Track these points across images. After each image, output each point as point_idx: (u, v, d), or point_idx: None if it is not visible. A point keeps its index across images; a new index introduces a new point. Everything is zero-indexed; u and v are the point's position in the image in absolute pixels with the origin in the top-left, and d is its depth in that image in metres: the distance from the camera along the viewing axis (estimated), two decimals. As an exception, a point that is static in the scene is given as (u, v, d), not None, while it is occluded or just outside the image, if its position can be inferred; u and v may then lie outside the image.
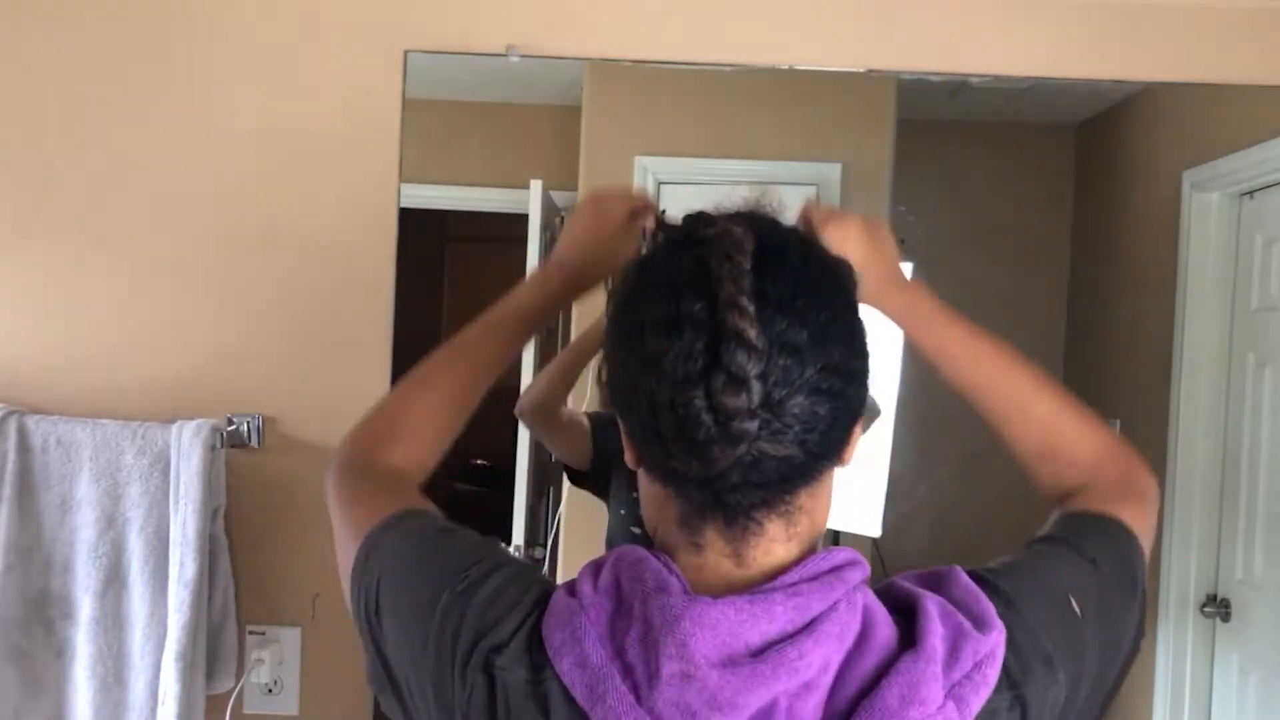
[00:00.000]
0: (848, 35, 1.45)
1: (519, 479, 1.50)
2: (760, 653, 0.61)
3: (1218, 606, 1.51)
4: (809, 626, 0.63)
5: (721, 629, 0.61)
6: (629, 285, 0.69)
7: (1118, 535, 0.79)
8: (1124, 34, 1.44)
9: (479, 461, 1.59)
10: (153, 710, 1.36)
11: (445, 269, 1.66)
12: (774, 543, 0.67)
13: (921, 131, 1.51)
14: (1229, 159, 1.48)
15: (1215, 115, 1.49)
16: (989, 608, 0.67)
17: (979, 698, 0.63)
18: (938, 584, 0.69)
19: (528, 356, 1.48)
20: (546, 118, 1.55)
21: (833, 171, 1.51)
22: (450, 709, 0.68)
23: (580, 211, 0.98)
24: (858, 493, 0.77)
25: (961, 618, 0.65)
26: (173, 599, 1.35)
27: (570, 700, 0.63)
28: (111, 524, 1.39)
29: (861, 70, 1.45)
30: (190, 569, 1.34)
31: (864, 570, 0.67)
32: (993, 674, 0.64)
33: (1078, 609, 0.72)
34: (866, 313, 0.69)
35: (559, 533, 1.51)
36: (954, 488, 1.44)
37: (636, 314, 0.66)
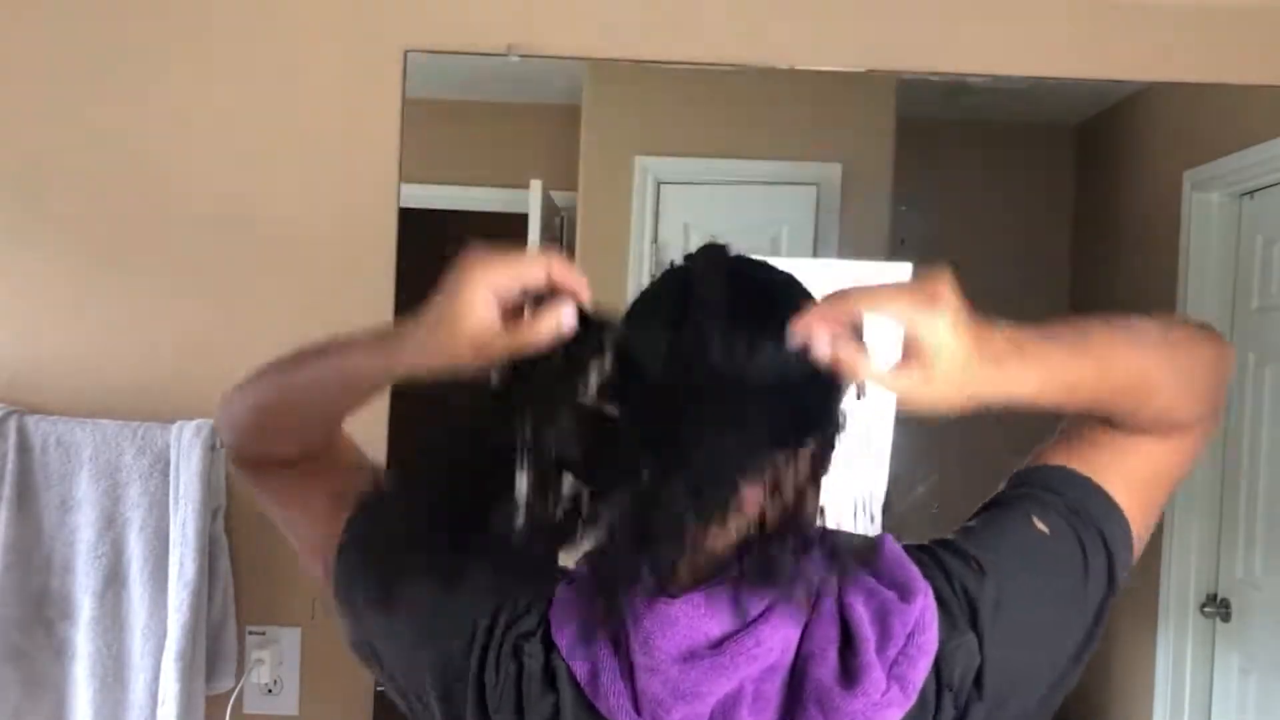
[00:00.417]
0: (848, 35, 1.45)
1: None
2: (719, 644, 0.64)
3: (1218, 606, 1.51)
4: (764, 614, 0.65)
5: (680, 626, 0.64)
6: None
7: (1086, 487, 0.73)
8: (1124, 34, 1.44)
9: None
10: (153, 710, 1.36)
11: (445, 269, 1.66)
12: (727, 529, 0.66)
13: (921, 131, 1.51)
14: (1229, 159, 1.48)
15: (1215, 115, 1.49)
16: (913, 573, 0.67)
17: (918, 669, 0.64)
18: (875, 564, 0.69)
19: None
20: (546, 118, 1.55)
21: (833, 171, 1.51)
22: (454, 695, 0.71)
23: (444, 291, 0.68)
24: (858, 492, 0.76)
25: (886, 592, 0.66)
26: (172, 599, 1.34)
27: (576, 684, 0.67)
28: (111, 524, 1.39)
29: (861, 70, 1.45)
30: (190, 569, 1.34)
31: None
32: (928, 639, 0.65)
33: (1043, 527, 0.71)
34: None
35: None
36: (954, 487, 1.44)
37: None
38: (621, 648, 0.66)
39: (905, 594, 0.66)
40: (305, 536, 0.86)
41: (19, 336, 1.48)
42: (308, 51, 1.47)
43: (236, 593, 1.45)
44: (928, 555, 0.71)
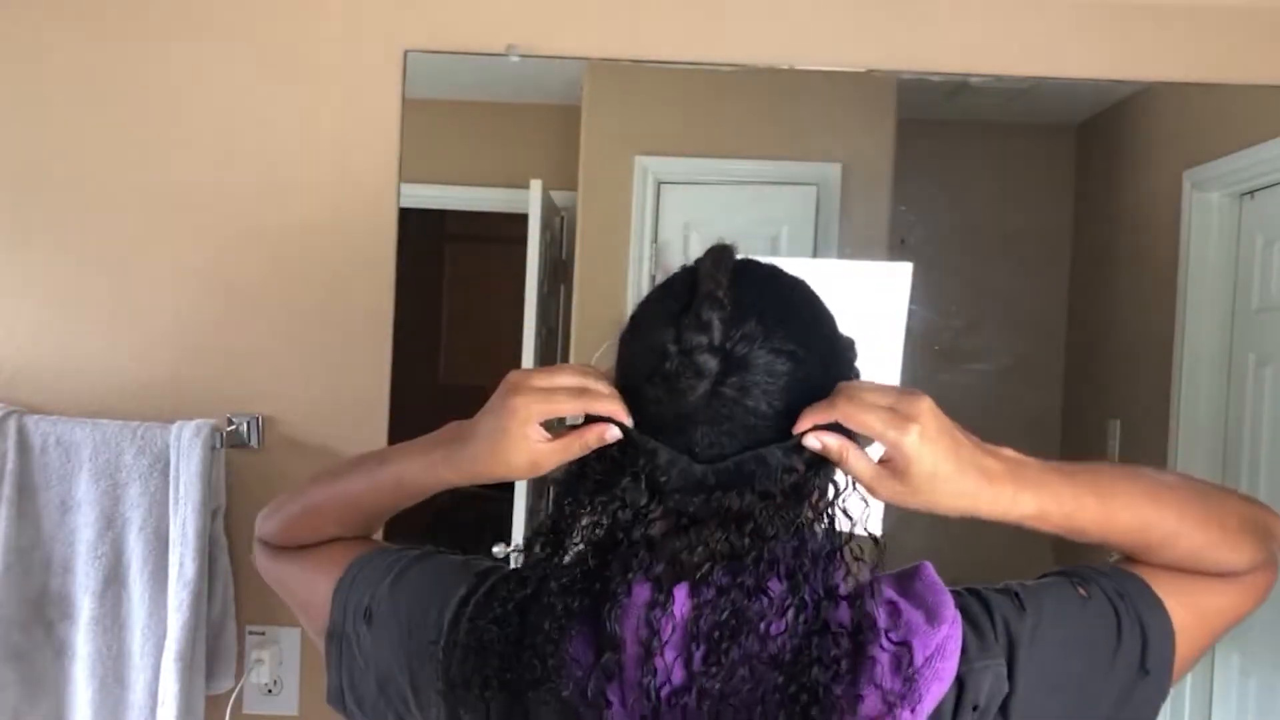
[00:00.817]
0: (848, 35, 1.45)
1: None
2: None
3: (1218, 606, 1.51)
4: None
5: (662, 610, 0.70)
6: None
7: (1153, 606, 0.74)
8: (1124, 34, 1.44)
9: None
10: (152, 710, 1.36)
11: (445, 269, 1.66)
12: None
13: (921, 131, 1.51)
14: (1229, 159, 1.48)
15: (1215, 115, 1.49)
16: (945, 600, 0.68)
17: (931, 694, 0.65)
18: (907, 581, 0.71)
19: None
20: (546, 118, 1.55)
21: (833, 171, 1.51)
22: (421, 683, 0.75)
23: (492, 408, 0.74)
24: (858, 492, 0.76)
25: (915, 613, 0.67)
26: (172, 599, 1.34)
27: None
28: (111, 524, 1.39)
29: (861, 70, 1.45)
30: (190, 569, 1.34)
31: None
32: (946, 667, 0.66)
33: (1084, 592, 0.73)
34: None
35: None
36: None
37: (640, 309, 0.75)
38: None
39: (932, 618, 0.67)
40: (312, 580, 0.88)
41: (19, 336, 1.48)
42: (308, 51, 1.46)
43: (236, 593, 1.45)
44: (969, 591, 0.72)
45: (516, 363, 1.50)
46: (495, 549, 1.42)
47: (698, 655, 0.66)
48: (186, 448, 1.37)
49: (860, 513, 0.71)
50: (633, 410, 0.71)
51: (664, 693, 0.66)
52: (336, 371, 1.47)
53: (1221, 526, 0.76)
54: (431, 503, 0.87)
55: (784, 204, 1.53)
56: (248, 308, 1.47)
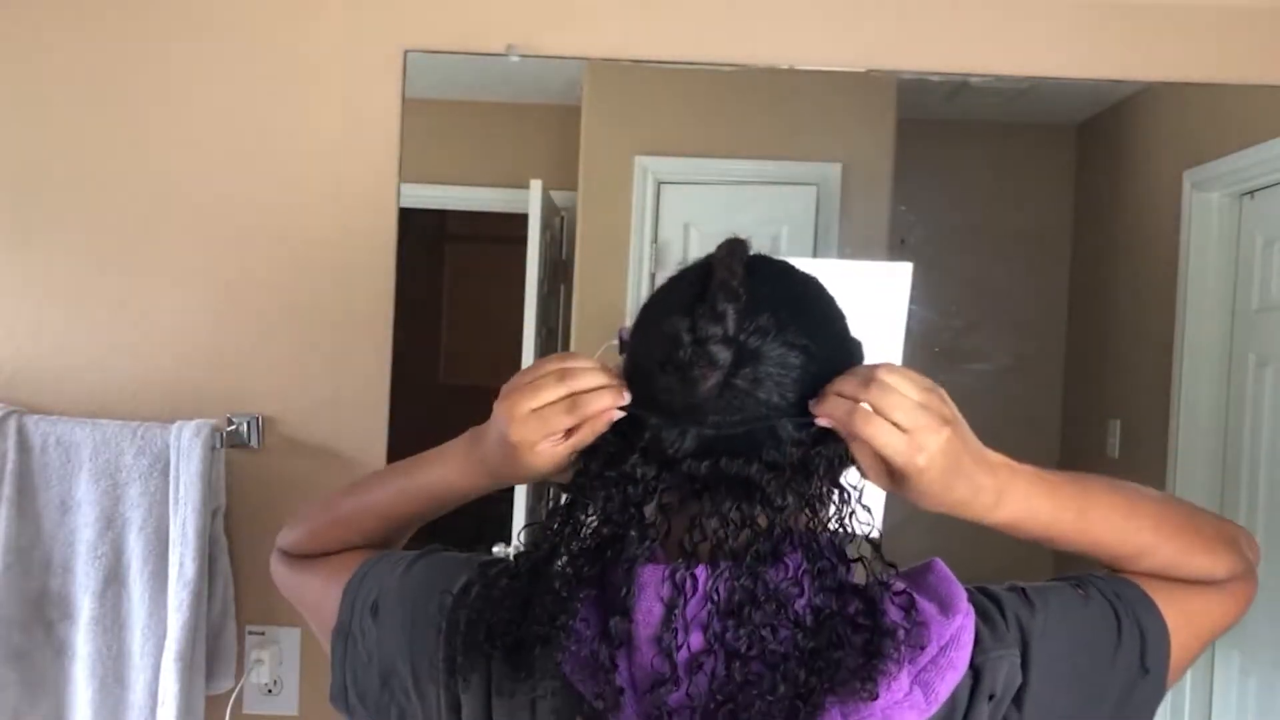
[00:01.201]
0: (848, 35, 1.45)
1: (519, 479, 1.50)
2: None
3: (1218, 606, 1.51)
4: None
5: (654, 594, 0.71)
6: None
7: (1148, 610, 0.76)
8: (1124, 34, 1.44)
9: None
10: (153, 710, 1.36)
11: (445, 269, 1.66)
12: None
13: (921, 131, 1.51)
14: (1229, 159, 1.48)
15: (1215, 115, 1.49)
16: (958, 593, 0.69)
17: (945, 682, 0.66)
18: (919, 575, 0.72)
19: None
20: (546, 118, 1.55)
21: (833, 171, 1.51)
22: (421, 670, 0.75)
23: (495, 422, 0.76)
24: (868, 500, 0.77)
25: (927, 604, 0.68)
26: (172, 599, 1.35)
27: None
28: (111, 524, 1.39)
29: (861, 70, 1.45)
30: (190, 569, 1.34)
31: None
32: (960, 656, 0.66)
33: (1083, 593, 0.75)
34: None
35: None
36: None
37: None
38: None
39: (946, 609, 0.68)
40: (325, 584, 0.88)
41: (19, 336, 1.48)
42: (308, 51, 1.46)
43: (236, 593, 1.45)
44: (978, 589, 0.73)
45: (516, 363, 1.50)
46: (495, 549, 1.42)
47: (717, 619, 0.67)
48: (186, 448, 1.37)
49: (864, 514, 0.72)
50: (643, 398, 0.71)
51: (682, 656, 0.66)
52: (336, 371, 1.47)
53: (1197, 535, 0.80)
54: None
55: (784, 204, 1.53)
56: (248, 308, 1.47)
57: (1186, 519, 0.81)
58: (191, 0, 1.47)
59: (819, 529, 0.70)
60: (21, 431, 1.40)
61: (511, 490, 1.47)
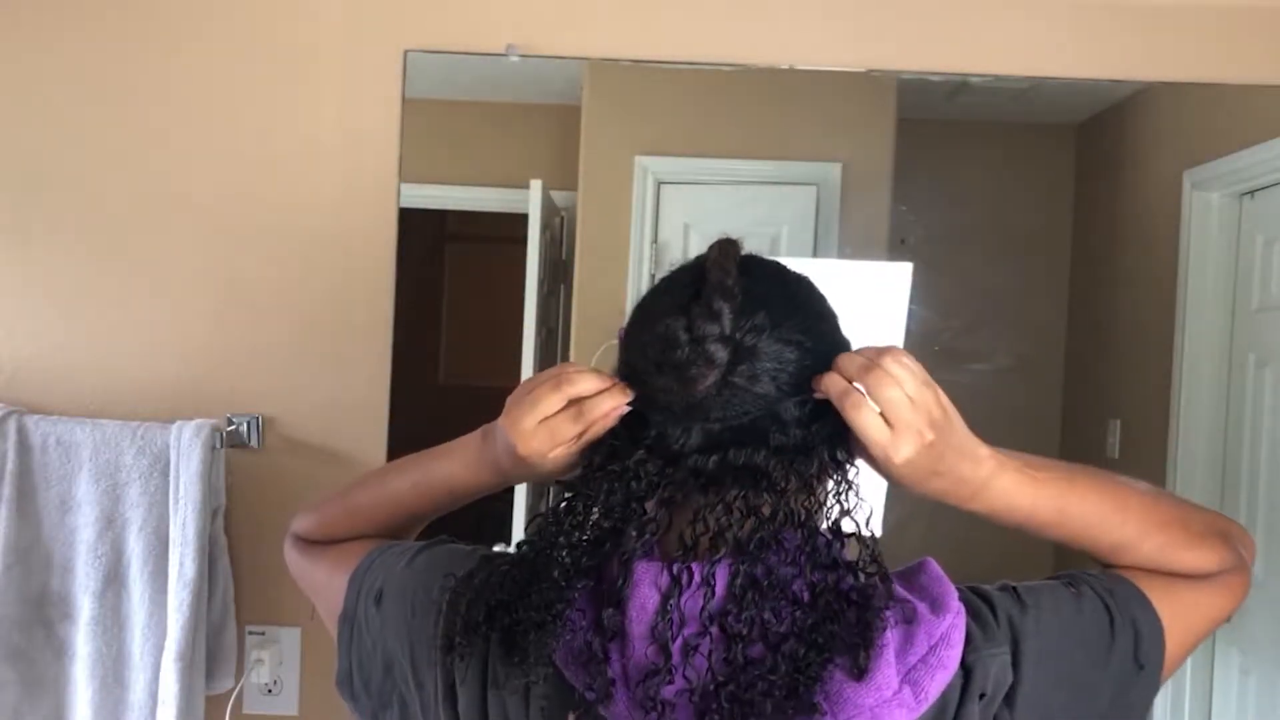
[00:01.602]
0: (848, 35, 1.45)
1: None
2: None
3: (1218, 606, 1.51)
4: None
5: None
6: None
7: (1145, 608, 0.77)
8: (1124, 34, 1.44)
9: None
10: (153, 710, 1.36)
11: (445, 269, 1.66)
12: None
13: (921, 131, 1.51)
14: (1229, 159, 1.48)
15: (1215, 115, 1.49)
16: (950, 591, 0.70)
17: (935, 681, 0.66)
18: (911, 575, 0.73)
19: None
20: (546, 118, 1.55)
21: (833, 171, 1.51)
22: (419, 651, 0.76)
23: (506, 452, 0.77)
24: (864, 491, 0.77)
25: (919, 603, 0.69)
26: (172, 599, 1.34)
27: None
28: (111, 524, 1.39)
29: (861, 70, 1.45)
30: (190, 569, 1.34)
31: None
32: (950, 655, 0.66)
33: (1075, 590, 0.75)
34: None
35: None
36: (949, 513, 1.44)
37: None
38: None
39: (936, 608, 0.68)
40: (332, 569, 0.89)
41: (19, 336, 1.48)
42: (308, 51, 1.46)
43: (236, 593, 1.45)
44: (972, 589, 0.74)
45: (516, 363, 1.50)
46: (496, 549, 1.42)
47: (715, 605, 0.67)
48: (186, 448, 1.37)
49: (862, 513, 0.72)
50: (642, 398, 0.72)
51: (677, 645, 0.66)
52: (336, 371, 1.47)
53: (1185, 528, 0.80)
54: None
55: (784, 204, 1.53)
56: (248, 308, 1.47)
57: (1175, 512, 0.81)
58: (192, 1, 1.47)
59: (815, 509, 0.71)
60: (21, 431, 1.40)
61: (511, 489, 1.47)
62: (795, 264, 0.79)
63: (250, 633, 1.47)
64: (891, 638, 0.66)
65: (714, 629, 0.66)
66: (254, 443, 1.45)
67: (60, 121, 1.47)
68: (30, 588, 1.39)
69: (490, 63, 1.45)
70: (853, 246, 1.50)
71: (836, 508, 0.71)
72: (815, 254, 1.51)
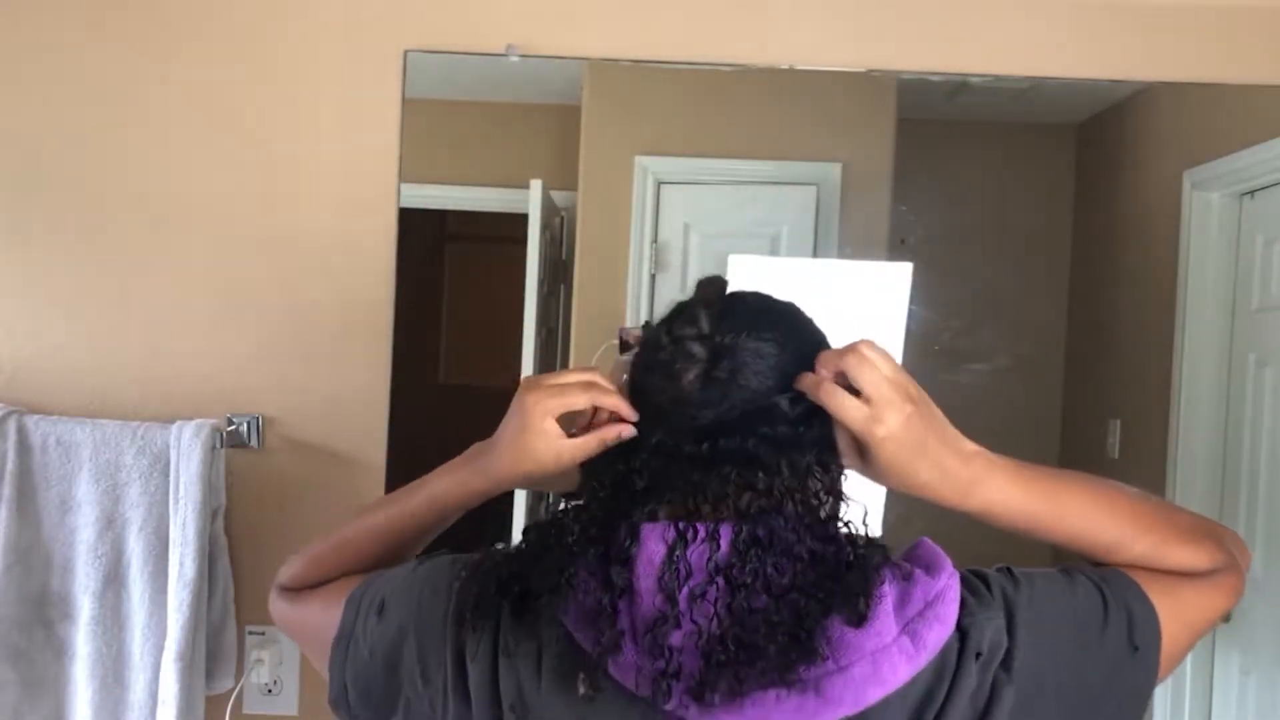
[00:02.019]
0: (848, 35, 1.45)
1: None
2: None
3: (1218, 606, 1.51)
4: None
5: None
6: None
7: (1140, 599, 0.78)
8: (1124, 34, 1.44)
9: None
10: (153, 710, 1.36)
11: (445, 269, 1.66)
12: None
13: (921, 131, 1.51)
14: (1229, 159, 1.48)
15: (1215, 115, 1.49)
16: (944, 558, 0.73)
17: (934, 633, 0.68)
18: (907, 550, 0.76)
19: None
20: (546, 118, 1.55)
21: (833, 171, 1.51)
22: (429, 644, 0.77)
23: (511, 413, 0.81)
24: (858, 493, 0.77)
25: (914, 568, 0.72)
26: (172, 599, 1.35)
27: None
28: (111, 524, 1.39)
29: (861, 70, 1.45)
30: (190, 569, 1.34)
31: None
32: (947, 611, 0.69)
33: (1068, 576, 0.77)
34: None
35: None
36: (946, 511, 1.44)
37: None
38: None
39: (931, 570, 0.71)
40: (326, 604, 0.90)
41: (19, 336, 1.48)
42: (308, 51, 1.47)
43: (236, 593, 1.45)
44: (968, 569, 0.76)
45: (516, 363, 1.50)
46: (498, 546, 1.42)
47: (720, 557, 0.69)
48: (186, 448, 1.37)
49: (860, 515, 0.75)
50: (639, 404, 0.77)
51: (683, 594, 0.69)
52: (336, 371, 1.47)
53: (1174, 527, 0.82)
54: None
55: (784, 204, 1.53)
56: (248, 308, 1.47)
57: (1165, 514, 0.84)
58: (191, 1, 1.47)
59: (810, 496, 0.73)
60: (21, 431, 1.40)
61: (512, 492, 1.47)
62: (795, 265, 0.80)
63: (250, 633, 1.47)
64: (890, 591, 0.69)
65: (719, 579, 0.69)
66: (254, 443, 1.45)
67: (60, 121, 1.48)
68: (30, 588, 1.39)
69: (490, 63, 1.45)
70: (853, 246, 1.50)
71: (831, 499, 0.74)
72: (815, 254, 1.51)
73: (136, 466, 1.38)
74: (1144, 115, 1.52)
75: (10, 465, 1.39)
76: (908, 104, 1.48)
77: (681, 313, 0.76)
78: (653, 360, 0.76)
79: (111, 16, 1.47)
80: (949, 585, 0.70)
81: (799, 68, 1.45)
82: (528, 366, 1.50)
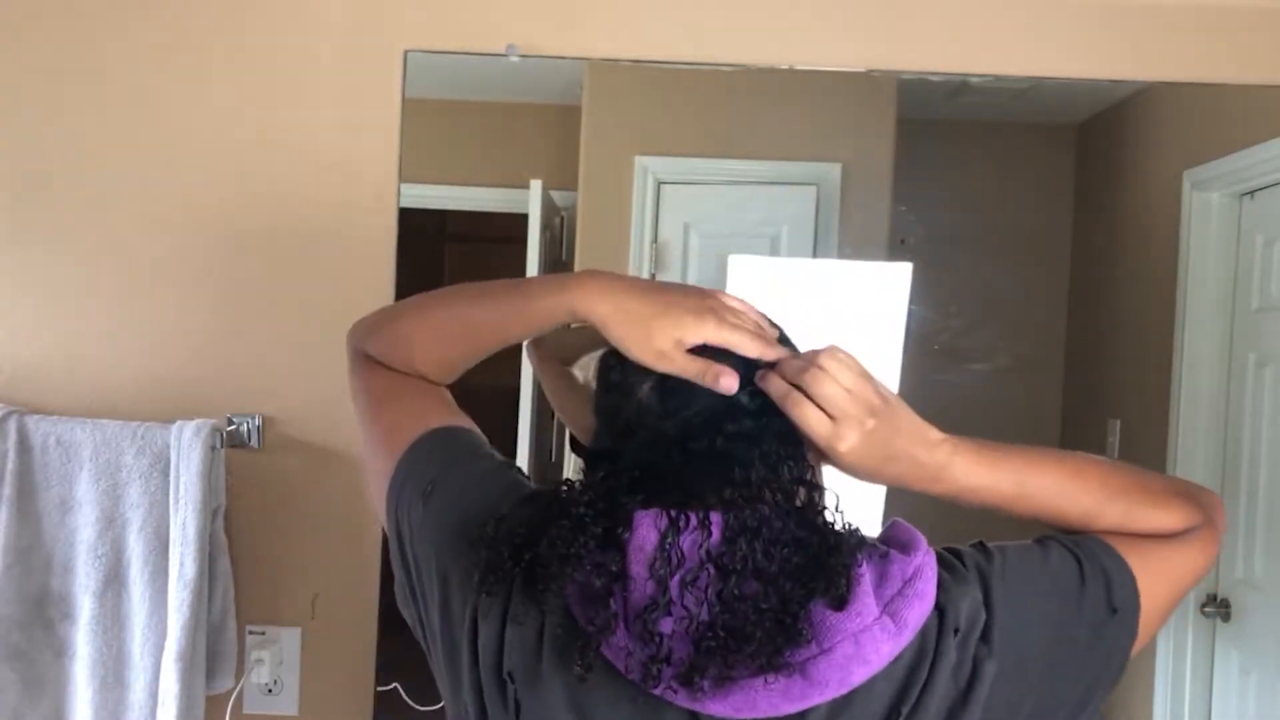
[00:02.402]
0: (848, 35, 1.45)
1: (523, 409, 1.51)
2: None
3: (1218, 606, 1.51)
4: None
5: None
6: None
7: (1116, 560, 0.79)
8: (1124, 34, 1.44)
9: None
10: (153, 710, 1.36)
11: (445, 269, 1.66)
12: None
13: (921, 131, 1.51)
14: (1229, 159, 1.48)
15: (1215, 115, 1.49)
16: (917, 538, 0.74)
17: (914, 611, 0.69)
18: (882, 533, 0.77)
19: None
20: (546, 118, 1.55)
21: (833, 171, 1.51)
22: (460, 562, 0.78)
23: (671, 302, 0.78)
24: (858, 493, 0.77)
25: (890, 549, 0.73)
26: (172, 599, 1.35)
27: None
28: (111, 524, 1.39)
29: (861, 70, 1.45)
30: (190, 569, 1.34)
31: None
32: (926, 588, 0.70)
33: (1042, 545, 0.78)
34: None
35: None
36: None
37: None
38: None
39: (907, 549, 0.72)
40: (388, 426, 0.92)
41: (19, 336, 1.48)
42: (308, 51, 1.47)
43: (236, 593, 1.45)
44: (943, 547, 0.77)
45: (516, 363, 1.50)
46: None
47: (712, 545, 0.70)
48: (186, 448, 1.37)
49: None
50: (607, 428, 0.79)
51: (675, 580, 0.69)
52: (336, 371, 1.46)
53: (1146, 491, 0.83)
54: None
55: (784, 204, 1.53)
56: (248, 308, 1.47)
57: (1135, 478, 0.84)
58: (191, 2, 1.47)
59: (785, 484, 0.74)
60: (22, 431, 1.40)
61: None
62: (795, 265, 0.80)
63: (250, 633, 1.47)
64: (868, 571, 0.70)
65: (710, 566, 0.70)
66: (254, 443, 1.45)
67: (60, 122, 1.48)
68: (30, 588, 1.39)
69: (490, 63, 1.45)
70: (853, 246, 1.50)
71: (804, 488, 0.75)
72: (815, 254, 1.51)
73: (137, 466, 1.38)
74: (1144, 115, 1.52)
75: (10, 465, 1.39)
76: (908, 104, 1.48)
77: None
78: (607, 383, 0.79)
79: (111, 18, 1.47)
80: (925, 562, 0.71)
81: (799, 68, 1.45)
82: (528, 366, 1.50)
